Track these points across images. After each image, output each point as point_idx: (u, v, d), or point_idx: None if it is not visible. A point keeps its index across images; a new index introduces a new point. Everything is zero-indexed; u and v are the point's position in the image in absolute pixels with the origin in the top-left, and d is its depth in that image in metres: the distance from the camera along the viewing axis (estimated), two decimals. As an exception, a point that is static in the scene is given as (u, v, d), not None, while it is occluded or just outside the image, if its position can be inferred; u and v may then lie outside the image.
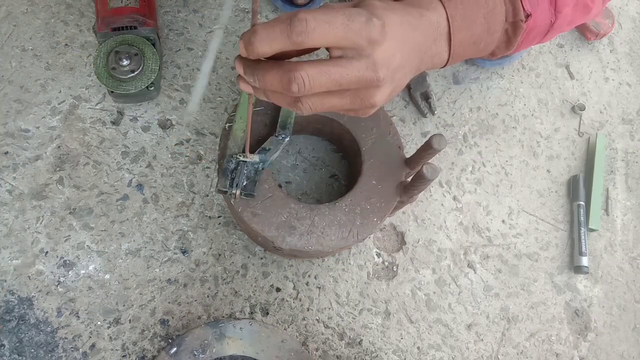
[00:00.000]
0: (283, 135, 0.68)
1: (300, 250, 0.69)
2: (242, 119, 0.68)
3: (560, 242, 0.86)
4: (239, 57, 0.42)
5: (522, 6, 0.52)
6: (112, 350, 0.71)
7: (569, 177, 0.89)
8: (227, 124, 0.69)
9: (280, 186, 0.81)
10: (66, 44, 0.83)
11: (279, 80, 0.40)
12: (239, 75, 0.44)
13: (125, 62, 0.76)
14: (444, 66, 0.52)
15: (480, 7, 0.50)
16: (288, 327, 0.75)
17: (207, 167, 0.80)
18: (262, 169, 0.67)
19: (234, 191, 0.65)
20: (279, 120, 0.70)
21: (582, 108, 0.93)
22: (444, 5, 0.49)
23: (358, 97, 0.42)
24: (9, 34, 0.82)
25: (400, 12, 0.45)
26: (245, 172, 0.66)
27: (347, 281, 0.78)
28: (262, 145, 0.68)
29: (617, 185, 0.91)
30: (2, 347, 0.69)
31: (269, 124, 0.72)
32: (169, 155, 0.80)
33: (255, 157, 0.67)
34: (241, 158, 0.66)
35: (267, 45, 0.39)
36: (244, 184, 0.66)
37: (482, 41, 0.53)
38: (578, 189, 0.87)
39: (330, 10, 0.40)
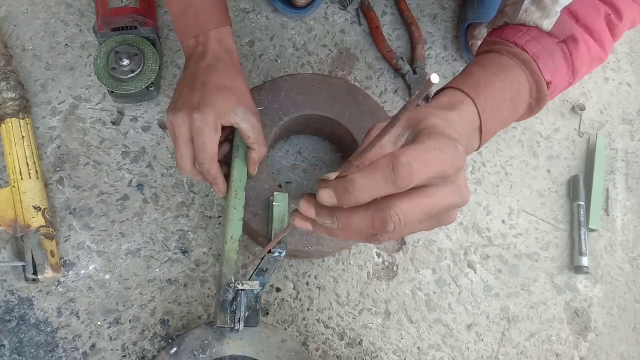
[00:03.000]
0: (279, 252, 0.63)
1: (300, 250, 0.69)
2: (233, 238, 0.64)
3: (560, 242, 0.86)
4: (310, 199, 0.40)
5: (543, 77, 0.52)
6: (112, 350, 0.71)
7: (569, 177, 0.89)
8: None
9: (280, 186, 0.81)
10: (66, 44, 0.83)
11: (369, 221, 0.38)
12: (295, 211, 0.42)
13: (125, 62, 0.76)
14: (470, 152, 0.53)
15: (506, 93, 0.51)
16: (288, 327, 0.75)
17: (207, 167, 0.80)
18: (261, 291, 0.64)
19: (236, 327, 0.62)
20: (272, 234, 0.66)
21: (582, 108, 0.93)
22: (474, 102, 0.49)
23: (438, 220, 0.41)
24: (9, 34, 0.82)
25: (454, 123, 0.45)
26: (245, 301, 0.63)
27: (347, 281, 0.78)
28: (259, 266, 0.64)
29: (617, 185, 0.91)
30: (2, 347, 0.69)
31: (269, 123, 0.72)
32: (169, 155, 0.80)
33: (255, 284, 0.63)
34: (240, 287, 0.62)
35: (368, 193, 0.36)
36: (246, 315, 0.63)
37: (509, 121, 0.54)
38: (578, 189, 0.87)
39: (422, 146, 0.38)
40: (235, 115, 0.60)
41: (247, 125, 0.62)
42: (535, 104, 0.55)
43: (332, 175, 0.40)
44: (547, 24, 0.52)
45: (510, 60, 0.52)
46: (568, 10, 0.52)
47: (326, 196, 0.38)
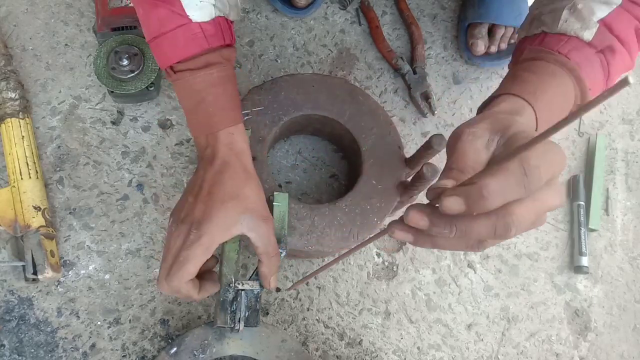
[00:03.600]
0: (279, 251, 0.62)
1: (300, 250, 0.69)
2: (233, 237, 0.63)
3: (560, 242, 0.86)
4: (422, 209, 0.39)
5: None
6: (112, 350, 0.71)
7: (569, 177, 0.89)
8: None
9: (280, 186, 0.81)
10: (66, 44, 0.83)
11: (491, 227, 0.37)
12: (393, 223, 0.42)
13: (125, 62, 0.76)
14: None
15: (558, 100, 0.53)
16: (288, 327, 0.75)
17: (207, 167, 0.80)
18: (261, 291, 0.63)
19: (236, 327, 0.62)
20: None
21: (582, 108, 0.93)
22: (533, 108, 0.50)
23: (535, 224, 0.41)
24: (9, 34, 0.82)
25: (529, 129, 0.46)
26: (245, 301, 0.63)
27: (347, 281, 0.78)
28: (259, 268, 0.63)
29: (617, 185, 0.91)
30: (2, 347, 0.69)
31: (269, 123, 0.72)
32: (169, 155, 0.80)
33: (255, 285, 0.63)
34: (240, 287, 0.62)
35: (502, 198, 0.36)
36: (246, 315, 0.63)
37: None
38: (578, 189, 0.87)
39: (542, 150, 0.38)
40: (240, 225, 0.57)
41: (255, 234, 0.58)
42: (575, 110, 0.56)
43: (448, 183, 0.40)
44: (588, 35, 0.54)
45: (558, 68, 0.53)
46: (603, 22, 0.54)
47: (455, 204, 0.37)
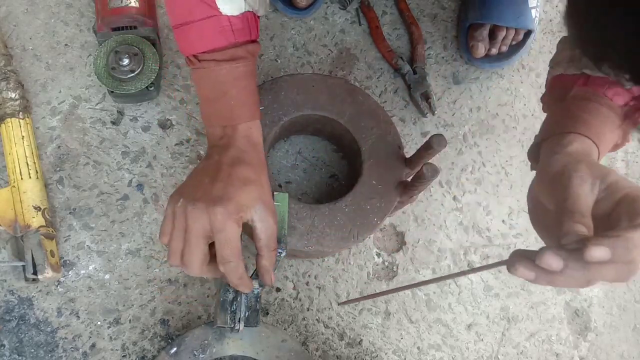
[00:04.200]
0: (279, 251, 0.62)
1: (300, 250, 0.69)
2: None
3: (560, 242, 0.86)
4: (557, 252, 0.41)
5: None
6: (112, 350, 0.71)
7: (569, 177, 0.89)
8: None
9: (280, 186, 0.81)
10: (66, 44, 0.83)
11: (615, 273, 0.41)
12: (517, 259, 0.43)
13: (125, 62, 0.76)
14: None
15: (611, 142, 0.57)
16: (288, 327, 0.75)
17: (207, 167, 0.80)
18: (261, 291, 0.63)
19: (236, 327, 0.62)
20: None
21: (582, 108, 0.93)
22: (599, 150, 0.54)
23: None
24: (9, 34, 0.82)
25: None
26: (245, 301, 0.63)
27: (347, 281, 0.78)
28: (258, 262, 0.62)
29: (617, 185, 0.91)
30: (2, 347, 0.69)
31: (269, 123, 0.72)
32: (169, 155, 0.80)
33: (255, 284, 0.62)
34: None
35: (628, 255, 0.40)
36: (246, 315, 0.63)
37: None
38: (578, 189, 0.87)
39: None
40: (253, 212, 0.56)
41: (263, 226, 0.58)
42: (613, 149, 0.61)
43: (582, 230, 0.43)
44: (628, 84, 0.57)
45: (609, 111, 0.57)
46: None
47: (603, 253, 0.40)
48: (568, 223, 0.44)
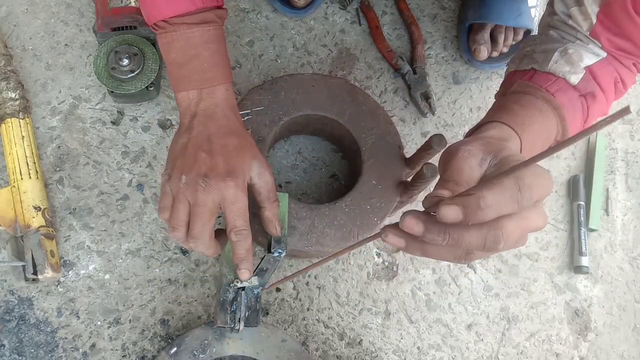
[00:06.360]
0: (279, 251, 0.62)
1: (300, 250, 0.69)
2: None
3: (560, 242, 0.86)
4: (419, 215, 0.40)
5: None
6: (112, 350, 0.71)
7: (569, 177, 0.89)
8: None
9: (280, 186, 0.81)
10: (66, 44, 0.83)
11: (482, 239, 0.39)
12: (387, 227, 0.43)
13: (125, 62, 0.76)
14: None
15: (542, 134, 0.57)
16: (288, 327, 0.75)
17: (207, 167, 0.80)
18: (261, 291, 0.64)
19: (236, 327, 0.62)
20: (273, 235, 0.65)
21: (582, 108, 0.93)
22: (520, 138, 0.54)
23: (519, 242, 0.43)
24: (9, 34, 0.82)
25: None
26: (245, 300, 0.63)
27: (347, 281, 0.78)
28: (259, 266, 0.63)
29: (617, 185, 0.91)
30: (2, 347, 0.69)
31: (269, 123, 0.72)
32: (169, 155, 0.80)
33: (254, 281, 0.62)
34: (239, 285, 0.62)
35: (496, 211, 0.39)
36: (246, 315, 0.62)
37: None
38: (578, 189, 0.87)
39: (534, 172, 0.41)
40: (252, 172, 0.58)
41: (261, 181, 0.59)
42: (556, 145, 0.59)
43: (445, 193, 0.42)
44: (575, 79, 0.58)
45: (545, 105, 0.57)
46: (589, 69, 0.59)
47: (452, 213, 0.38)
48: (437, 190, 0.43)
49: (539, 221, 0.42)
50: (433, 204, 0.40)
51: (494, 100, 0.66)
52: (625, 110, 0.27)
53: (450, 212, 0.38)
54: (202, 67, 0.61)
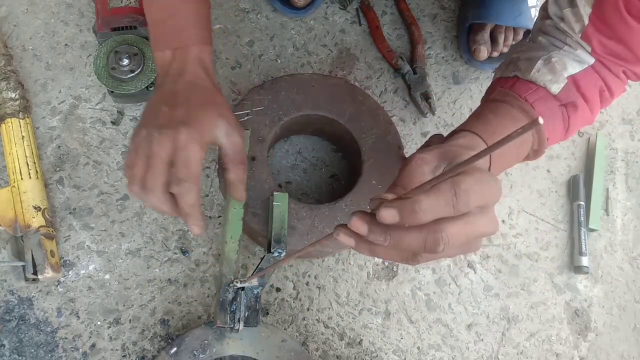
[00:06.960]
0: (279, 251, 0.63)
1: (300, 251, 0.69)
2: (232, 238, 0.64)
3: (560, 242, 0.86)
4: (363, 216, 0.41)
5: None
6: (112, 350, 0.71)
7: (569, 177, 0.89)
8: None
9: (280, 186, 0.81)
10: (66, 44, 0.83)
11: (421, 241, 0.40)
12: (339, 226, 0.43)
13: (125, 62, 0.76)
14: None
15: (514, 145, 0.55)
16: (288, 327, 0.75)
17: (207, 167, 0.80)
18: (261, 291, 0.64)
19: (236, 327, 0.62)
20: (272, 234, 0.66)
21: (582, 108, 0.93)
22: (487, 145, 0.53)
23: (470, 246, 0.44)
24: (9, 34, 0.82)
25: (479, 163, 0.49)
26: (245, 300, 0.63)
27: (347, 281, 0.78)
28: (259, 266, 0.64)
29: (617, 185, 0.91)
30: (2, 347, 0.69)
31: (269, 123, 0.72)
32: (169, 155, 0.80)
33: (254, 281, 0.63)
34: (239, 285, 0.62)
35: (431, 214, 0.39)
36: (246, 315, 0.63)
37: (510, 166, 0.62)
38: (578, 189, 0.87)
39: (476, 178, 0.41)
40: (218, 129, 0.57)
41: (228, 141, 0.58)
42: (533, 154, 0.61)
43: (389, 196, 0.42)
44: (556, 88, 0.58)
45: (521, 114, 0.57)
46: (572, 78, 0.58)
47: (389, 215, 0.39)
48: (384, 193, 0.44)
49: (488, 227, 0.42)
50: (376, 206, 0.41)
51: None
52: (535, 122, 0.28)
53: (387, 214, 0.39)
54: (179, 25, 0.61)
